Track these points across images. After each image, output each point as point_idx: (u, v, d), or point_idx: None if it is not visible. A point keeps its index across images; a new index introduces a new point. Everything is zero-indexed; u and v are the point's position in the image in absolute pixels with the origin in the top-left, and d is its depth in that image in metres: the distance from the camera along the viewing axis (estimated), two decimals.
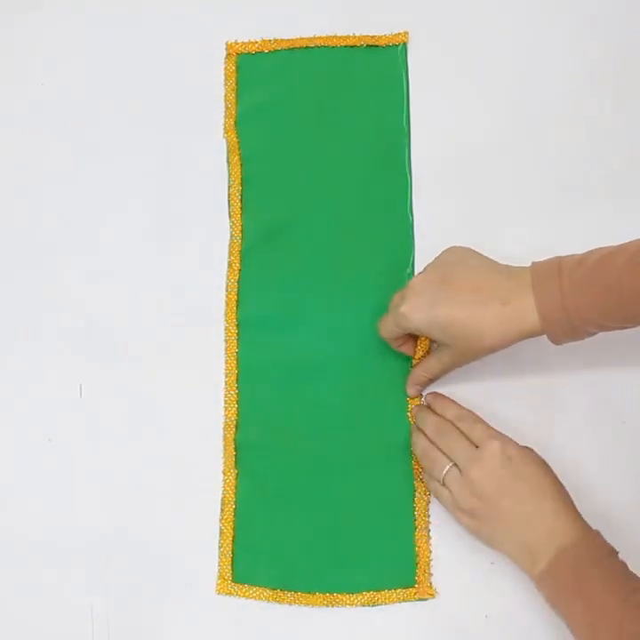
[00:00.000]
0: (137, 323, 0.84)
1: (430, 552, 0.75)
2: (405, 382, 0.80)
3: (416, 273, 0.82)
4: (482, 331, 0.72)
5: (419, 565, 0.75)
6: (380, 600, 0.74)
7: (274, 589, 0.75)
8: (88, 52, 0.93)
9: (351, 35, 0.92)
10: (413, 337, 0.80)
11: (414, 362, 0.80)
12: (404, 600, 0.74)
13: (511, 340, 0.72)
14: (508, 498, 0.70)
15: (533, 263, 0.72)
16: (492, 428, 0.74)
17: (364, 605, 0.74)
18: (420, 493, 0.77)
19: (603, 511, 0.72)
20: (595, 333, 0.72)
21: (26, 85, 0.92)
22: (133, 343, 0.83)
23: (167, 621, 0.75)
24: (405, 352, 0.80)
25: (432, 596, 0.74)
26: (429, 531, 0.76)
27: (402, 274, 0.84)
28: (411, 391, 0.80)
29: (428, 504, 0.77)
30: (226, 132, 0.90)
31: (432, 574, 0.75)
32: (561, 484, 0.71)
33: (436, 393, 0.79)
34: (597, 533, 0.69)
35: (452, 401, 0.78)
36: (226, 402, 0.81)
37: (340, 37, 0.91)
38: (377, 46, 0.91)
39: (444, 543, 0.76)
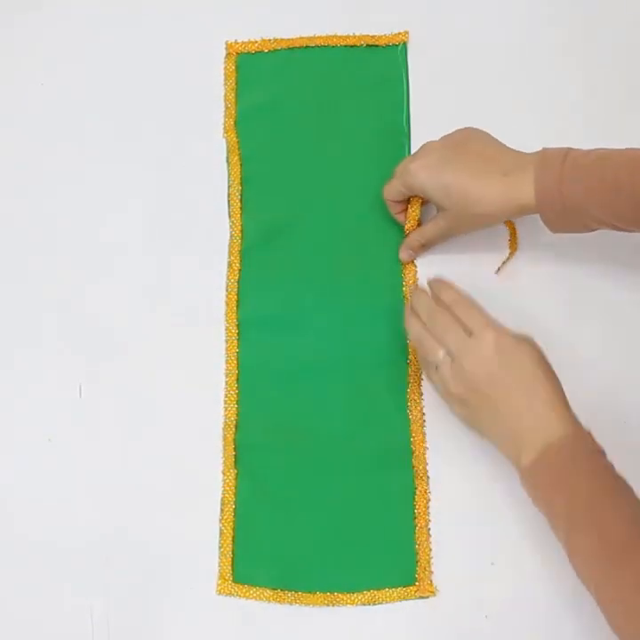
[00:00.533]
0: (137, 323, 0.84)
1: (430, 550, 0.75)
2: (406, 389, 0.80)
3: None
4: (481, 197, 0.75)
5: (419, 563, 0.75)
6: (380, 599, 0.74)
7: (274, 589, 0.75)
8: (88, 51, 0.93)
9: (351, 34, 0.92)
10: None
11: (406, 231, 0.83)
12: (404, 598, 0.74)
13: (506, 211, 0.76)
14: (499, 388, 0.70)
15: (544, 148, 0.75)
16: (488, 317, 0.72)
17: (364, 604, 0.74)
18: (420, 492, 0.77)
19: None
20: (592, 229, 0.75)
21: (26, 85, 0.93)
22: (133, 343, 0.83)
23: (167, 622, 0.75)
24: (402, 221, 0.83)
25: (433, 593, 0.74)
26: (429, 529, 0.76)
27: (399, 274, 0.84)
28: (403, 255, 0.83)
29: (427, 502, 0.77)
30: (225, 131, 0.90)
31: (433, 572, 0.75)
32: (556, 378, 0.71)
33: (436, 278, 0.77)
34: (588, 432, 0.69)
35: (451, 284, 0.76)
36: (226, 402, 0.81)
37: (340, 37, 0.92)
38: (377, 46, 0.92)
39: (444, 544, 0.76)
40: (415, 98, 0.90)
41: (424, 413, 0.79)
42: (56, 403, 0.81)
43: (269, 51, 0.92)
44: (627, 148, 0.73)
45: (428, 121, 0.89)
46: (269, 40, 0.92)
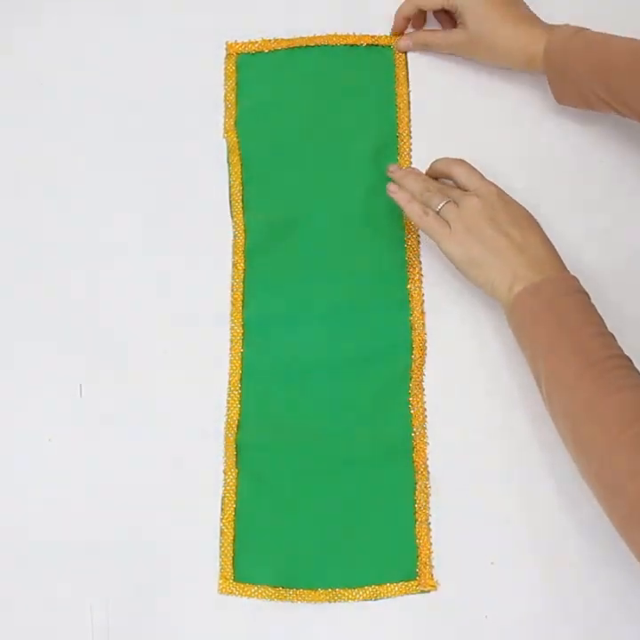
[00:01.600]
0: (139, 323, 0.83)
1: (431, 545, 0.76)
2: (408, 385, 0.80)
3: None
4: (502, 31, 0.85)
5: (420, 558, 0.75)
6: (382, 594, 0.74)
7: (276, 587, 0.75)
8: (88, 52, 0.93)
9: (351, 34, 0.92)
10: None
11: None
12: (406, 593, 0.74)
13: (516, 56, 0.85)
14: (500, 226, 0.76)
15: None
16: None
17: (366, 599, 0.74)
18: (420, 487, 0.77)
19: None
20: (594, 108, 0.82)
21: (26, 85, 0.92)
22: (135, 343, 0.83)
23: (169, 622, 0.74)
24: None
25: (434, 587, 0.74)
26: (430, 523, 0.76)
27: (403, 271, 0.84)
28: (401, 43, 0.91)
29: (428, 497, 0.77)
30: (226, 132, 0.90)
31: (433, 567, 0.75)
32: (549, 240, 0.77)
33: None
34: (577, 278, 0.74)
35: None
36: (228, 402, 0.81)
37: (340, 36, 0.92)
38: (377, 46, 0.92)
39: (444, 541, 0.76)
40: (415, 98, 0.90)
41: (425, 408, 0.80)
42: (56, 403, 0.81)
43: (269, 51, 0.92)
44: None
45: (429, 121, 0.89)
46: (269, 40, 0.92)
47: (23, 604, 0.76)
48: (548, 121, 0.89)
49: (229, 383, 0.81)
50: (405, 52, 0.91)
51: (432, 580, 0.74)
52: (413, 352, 0.81)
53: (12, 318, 0.84)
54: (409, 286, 0.83)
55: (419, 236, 0.85)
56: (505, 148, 0.88)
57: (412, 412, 0.80)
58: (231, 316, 0.83)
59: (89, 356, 0.82)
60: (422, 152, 0.87)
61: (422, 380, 0.81)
